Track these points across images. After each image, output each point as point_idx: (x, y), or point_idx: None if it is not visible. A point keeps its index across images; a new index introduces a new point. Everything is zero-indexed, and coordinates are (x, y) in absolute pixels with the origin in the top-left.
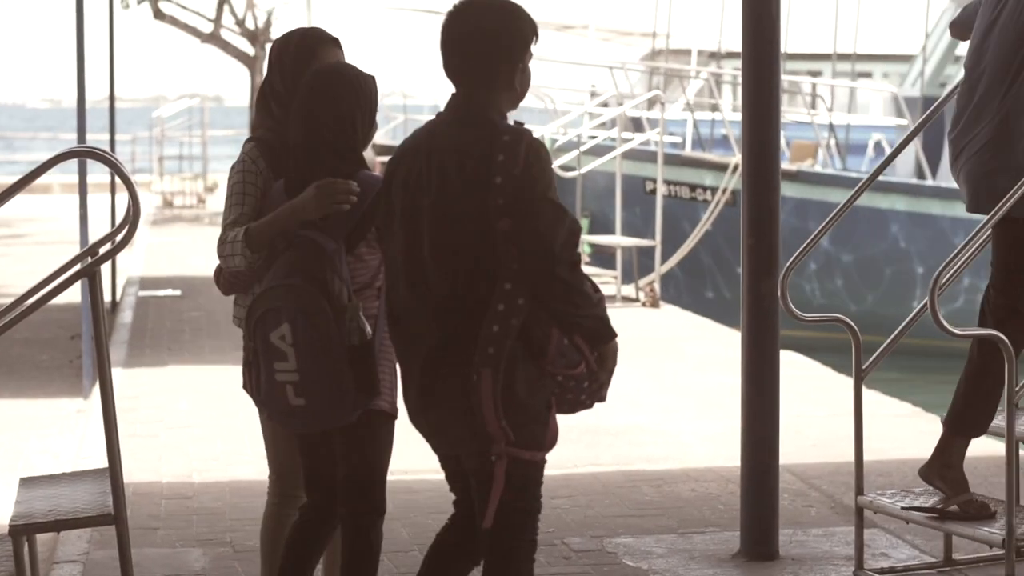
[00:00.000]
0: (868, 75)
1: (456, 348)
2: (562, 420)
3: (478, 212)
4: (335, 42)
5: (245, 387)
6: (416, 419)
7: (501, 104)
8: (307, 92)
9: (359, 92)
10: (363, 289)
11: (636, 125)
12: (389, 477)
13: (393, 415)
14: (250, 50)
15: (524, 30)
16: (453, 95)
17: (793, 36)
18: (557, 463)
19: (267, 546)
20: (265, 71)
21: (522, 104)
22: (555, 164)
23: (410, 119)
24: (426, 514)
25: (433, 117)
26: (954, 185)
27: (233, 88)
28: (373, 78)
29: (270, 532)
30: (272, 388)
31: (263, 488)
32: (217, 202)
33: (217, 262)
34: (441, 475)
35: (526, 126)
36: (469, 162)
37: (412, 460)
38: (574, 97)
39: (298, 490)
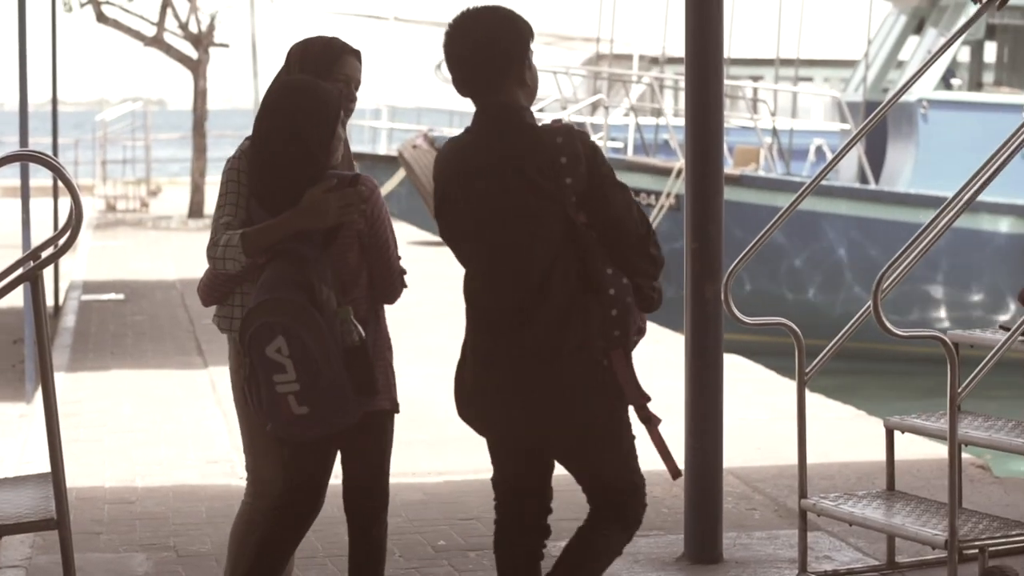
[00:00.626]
0: (809, 80)
1: (549, 341)
2: None
3: (551, 214)
4: (356, 54)
5: (248, 403)
6: (494, 411)
7: (523, 104)
8: (268, 105)
9: (314, 106)
10: (350, 290)
11: None
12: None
13: (392, 412)
14: (193, 54)
15: (521, 30)
16: (482, 108)
17: (736, 42)
18: None
19: (236, 546)
20: (283, 69)
21: (465, 109)
22: None
23: (350, 123)
24: None
25: (459, 133)
26: (897, 190)
27: (176, 92)
28: (333, 91)
29: (241, 533)
30: (274, 400)
31: (206, 493)
32: (160, 206)
33: (183, 267)
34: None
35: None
36: (531, 169)
37: None
38: None
39: (276, 494)
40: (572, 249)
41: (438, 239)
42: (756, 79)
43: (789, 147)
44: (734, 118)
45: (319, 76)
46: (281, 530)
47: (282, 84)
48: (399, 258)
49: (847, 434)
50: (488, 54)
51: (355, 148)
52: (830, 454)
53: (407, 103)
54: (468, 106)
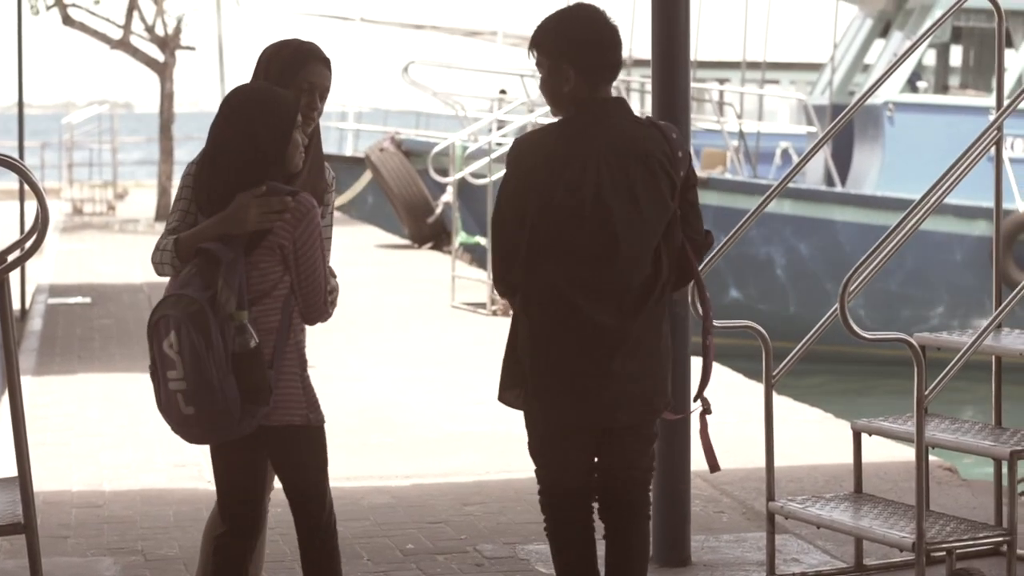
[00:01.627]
0: (776, 83)
1: (650, 319)
2: (474, 427)
3: (664, 200)
4: (326, 62)
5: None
6: (581, 402)
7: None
8: (226, 107)
9: (270, 112)
10: (261, 298)
11: None
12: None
13: (309, 425)
14: (160, 56)
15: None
16: (603, 98)
17: (703, 44)
18: (469, 470)
19: (208, 549)
20: (254, 74)
21: (432, 111)
22: (465, 172)
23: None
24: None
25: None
26: (864, 192)
27: (143, 95)
28: (290, 97)
29: (212, 536)
30: (168, 397)
31: (174, 497)
32: (127, 209)
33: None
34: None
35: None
36: (660, 159)
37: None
38: (483, 104)
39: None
40: (666, 238)
41: (404, 242)
42: (723, 82)
43: (756, 150)
44: (700, 121)
45: (284, 81)
46: (229, 552)
47: (238, 91)
48: (331, 280)
49: (815, 437)
50: (610, 42)
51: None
52: (798, 457)
53: (374, 105)
54: (434, 108)
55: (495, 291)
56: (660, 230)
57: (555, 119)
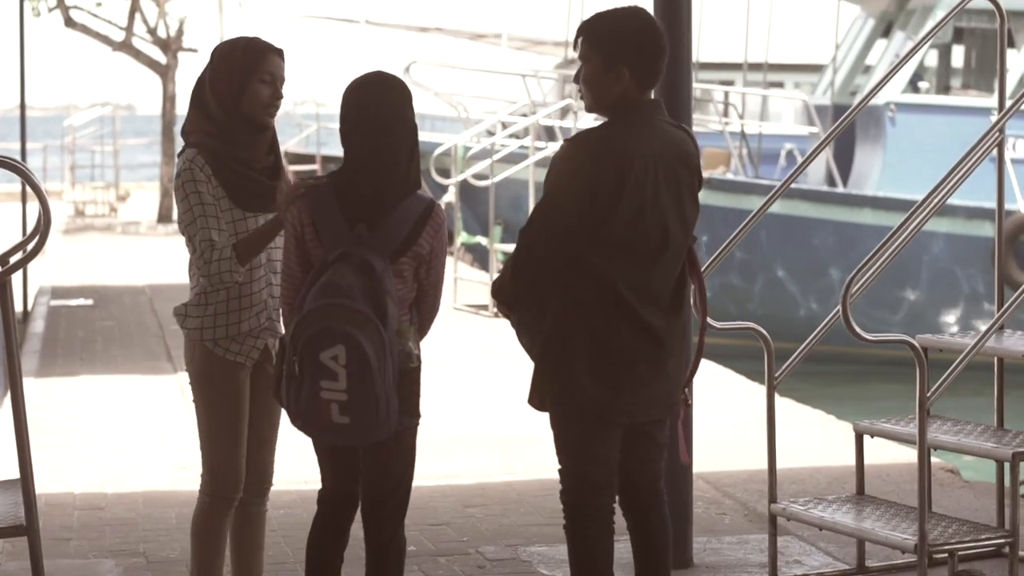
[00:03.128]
0: (780, 85)
1: (677, 318)
2: (476, 429)
3: (697, 204)
4: (280, 53)
5: (275, 395)
6: (628, 399)
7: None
8: (377, 101)
9: (412, 106)
10: (404, 309)
11: (550, 134)
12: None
13: (416, 425)
14: (162, 58)
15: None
16: (650, 99)
17: (705, 46)
18: (471, 472)
19: (196, 544)
20: (208, 70)
21: (437, 113)
22: (467, 173)
23: (323, 127)
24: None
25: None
26: (865, 192)
27: (145, 97)
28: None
29: (198, 530)
30: (315, 404)
31: (177, 499)
32: (129, 211)
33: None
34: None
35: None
36: (693, 162)
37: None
38: (487, 106)
39: (231, 491)
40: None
41: None
42: (726, 83)
43: (758, 151)
44: (703, 122)
45: (245, 75)
46: (325, 540)
47: (373, 79)
48: (441, 295)
49: (817, 438)
50: (662, 50)
51: (325, 152)
52: (800, 459)
53: None
54: (440, 110)
55: (495, 300)
56: (692, 231)
57: (594, 121)
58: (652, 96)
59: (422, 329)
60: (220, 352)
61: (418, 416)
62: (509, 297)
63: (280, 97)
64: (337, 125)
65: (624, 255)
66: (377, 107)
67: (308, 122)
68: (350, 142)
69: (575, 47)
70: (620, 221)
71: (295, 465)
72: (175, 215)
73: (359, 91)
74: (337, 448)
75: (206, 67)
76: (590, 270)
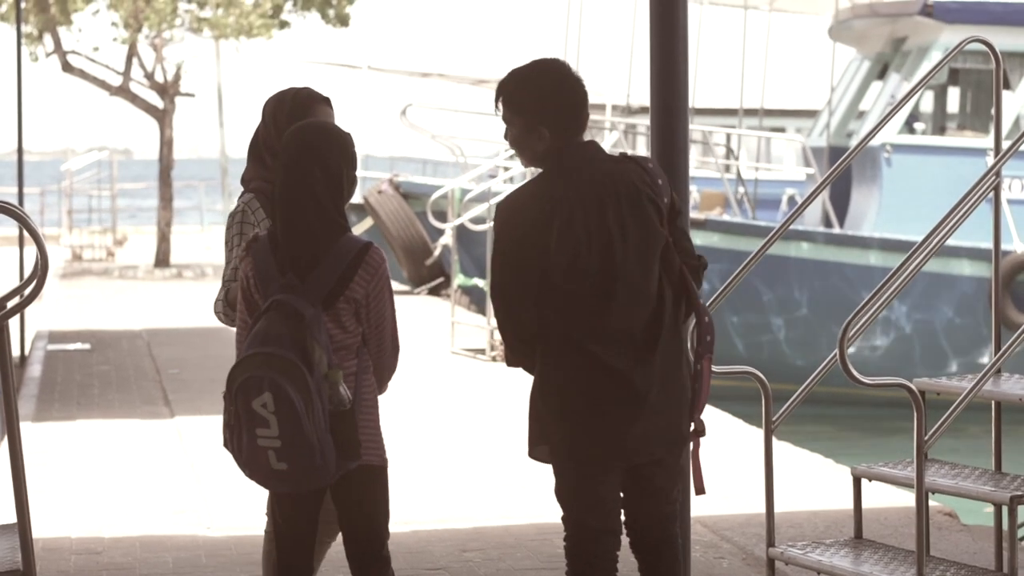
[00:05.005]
0: (782, 130)
1: (667, 350)
2: (473, 473)
3: (656, 230)
4: (327, 101)
5: (226, 445)
6: (606, 443)
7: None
8: (296, 146)
9: (345, 148)
10: (339, 350)
11: None
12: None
13: (383, 467)
14: (159, 103)
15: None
16: (577, 143)
17: (704, 92)
18: (468, 516)
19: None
20: (261, 124)
21: (434, 157)
22: (464, 218)
23: None
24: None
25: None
26: (861, 233)
27: (142, 141)
28: (350, 135)
29: (265, 558)
30: (254, 452)
31: (173, 543)
32: (126, 255)
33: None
34: None
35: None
36: (644, 191)
37: None
38: (487, 149)
39: None
40: (665, 266)
41: (404, 288)
42: (728, 128)
43: (754, 193)
44: (703, 167)
45: (293, 123)
46: None
47: (309, 125)
48: (395, 335)
49: (815, 482)
50: (580, 99)
51: None
52: (798, 502)
53: (380, 152)
54: (439, 155)
55: (506, 356)
56: (655, 261)
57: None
58: (586, 138)
59: (379, 376)
60: None
61: (358, 457)
62: (514, 361)
63: None
64: None
65: (572, 299)
66: (293, 155)
67: None
68: (275, 193)
69: (496, 108)
70: (557, 267)
71: None
72: (173, 259)
73: (284, 140)
74: (292, 501)
75: (260, 121)
76: (549, 322)
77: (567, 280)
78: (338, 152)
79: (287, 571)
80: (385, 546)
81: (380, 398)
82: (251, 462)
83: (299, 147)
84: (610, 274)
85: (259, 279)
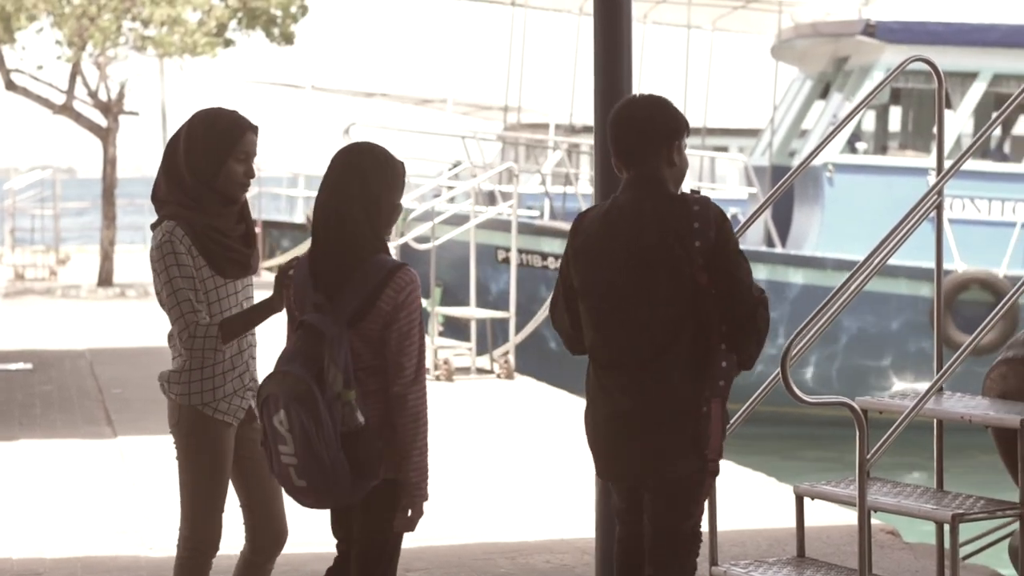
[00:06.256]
0: (725, 149)
1: (663, 383)
2: None
3: (681, 271)
4: (255, 129)
5: (193, 462)
6: (603, 459)
7: (668, 180)
8: (341, 163)
9: (391, 172)
10: (366, 367)
11: (491, 199)
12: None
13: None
14: (103, 122)
15: (677, 118)
16: (628, 178)
17: None
18: (413, 535)
19: None
20: (185, 142)
21: None
22: (409, 236)
23: (264, 191)
24: None
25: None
26: (803, 253)
27: (86, 160)
28: (402, 163)
29: None
30: (280, 468)
31: (116, 564)
32: (69, 274)
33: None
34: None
35: None
36: (670, 232)
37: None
38: (432, 168)
39: (211, 547)
40: (692, 307)
41: None
42: None
43: None
44: None
45: (223, 154)
46: None
47: (354, 148)
48: (416, 365)
49: (758, 501)
50: (646, 134)
51: (272, 217)
52: (741, 521)
53: (323, 171)
54: None
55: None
56: (671, 301)
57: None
58: (633, 174)
59: (394, 392)
60: (209, 412)
61: (375, 477)
62: (574, 350)
63: (253, 175)
64: (281, 190)
65: (585, 320)
66: (335, 172)
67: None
68: (314, 209)
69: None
70: (576, 289)
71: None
72: (116, 278)
73: (332, 158)
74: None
75: (181, 137)
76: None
77: (581, 301)
78: (381, 174)
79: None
80: (390, 567)
81: None
82: (279, 477)
83: (343, 165)
84: (610, 299)
85: (297, 296)
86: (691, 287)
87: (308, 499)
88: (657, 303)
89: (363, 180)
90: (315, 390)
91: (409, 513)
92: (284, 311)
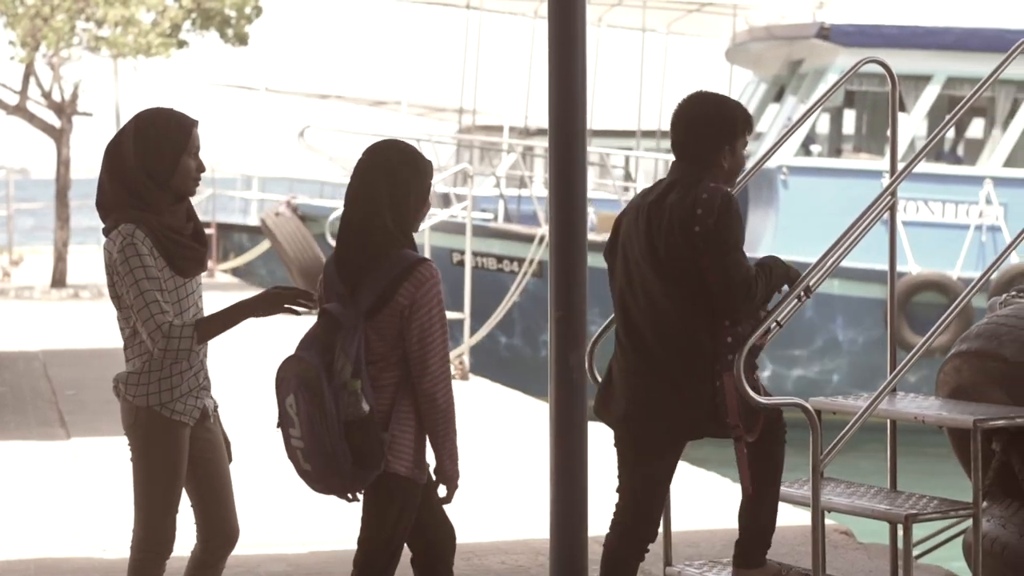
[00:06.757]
0: None
1: (683, 362)
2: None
3: (688, 253)
4: (198, 123)
5: (146, 462)
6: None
7: (712, 177)
8: (369, 159)
9: (420, 169)
10: (378, 360)
11: (445, 200)
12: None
13: (410, 479)
14: (56, 122)
15: (733, 118)
16: (673, 164)
17: (603, 114)
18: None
19: None
20: (132, 148)
21: (332, 179)
22: None
23: (219, 193)
24: None
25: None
26: (757, 255)
27: (39, 160)
28: (429, 161)
29: None
30: (290, 451)
31: (70, 565)
32: (22, 275)
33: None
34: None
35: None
36: (676, 219)
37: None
38: None
39: (164, 548)
40: (699, 289)
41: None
42: (626, 149)
43: None
44: (602, 187)
45: (177, 151)
46: None
47: (381, 145)
48: (441, 361)
49: (713, 501)
50: (697, 130)
51: (226, 219)
52: (696, 521)
53: (277, 173)
54: (337, 176)
55: None
56: (677, 283)
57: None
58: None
59: (423, 389)
60: (167, 413)
61: (376, 467)
62: None
63: (204, 169)
64: (235, 192)
65: (614, 303)
66: (363, 167)
67: (204, 187)
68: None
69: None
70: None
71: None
72: (70, 279)
73: (361, 155)
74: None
75: (129, 140)
76: None
77: (610, 284)
78: (411, 171)
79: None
80: (386, 563)
81: (277, 414)
82: (291, 459)
83: (371, 161)
84: (629, 285)
85: (326, 286)
86: (696, 271)
87: (313, 483)
88: (665, 286)
89: (390, 176)
90: (322, 377)
91: (445, 493)
92: (265, 316)
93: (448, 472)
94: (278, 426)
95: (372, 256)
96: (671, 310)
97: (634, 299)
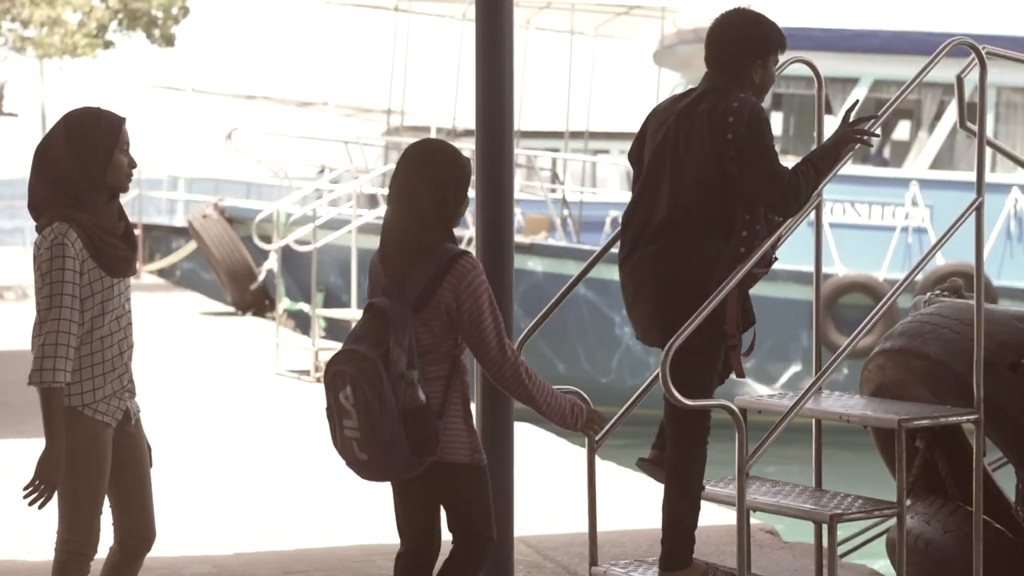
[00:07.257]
0: (606, 152)
1: (689, 269)
2: (297, 494)
3: (710, 158)
4: (125, 120)
5: (76, 461)
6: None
7: (742, 89)
8: (409, 157)
9: (459, 166)
10: (427, 353)
11: (372, 201)
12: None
13: (470, 464)
14: None
15: (767, 34)
16: (705, 75)
17: (531, 115)
18: (292, 538)
19: None
20: (64, 148)
21: (258, 180)
22: (290, 239)
23: (145, 194)
24: None
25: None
26: None
27: None
28: (468, 159)
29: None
30: (344, 442)
31: (13, 567)
32: None
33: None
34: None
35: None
36: (706, 126)
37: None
38: (308, 172)
39: (89, 548)
40: (719, 193)
41: (228, 309)
42: (554, 151)
43: (579, 216)
44: (530, 189)
45: (109, 148)
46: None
47: (422, 144)
48: (498, 341)
49: (639, 501)
50: (729, 43)
51: (152, 219)
52: (621, 521)
53: (204, 174)
54: (263, 178)
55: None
56: (691, 175)
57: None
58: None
59: (492, 374)
60: (90, 413)
61: (432, 454)
62: None
63: (135, 165)
64: (161, 193)
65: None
66: (404, 165)
67: (131, 188)
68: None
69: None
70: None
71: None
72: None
73: (403, 153)
74: (406, 506)
75: (59, 140)
76: None
77: (633, 179)
78: (450, 168)
79: (413, 560)
80: (480, 544)
81: (207, 417)
82: (343, 450)
83: (412, 159)
84: (644, 176)
85: (370, 282)
86: (720, 176)
87: (368, 472)
88: (683, 186)
89: (430, 173)
90: (381, 369)
91: (583, 425)
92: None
93: (570, 427)
94: (328, 416)
95: (416, 252)
96: (683, 203)
97: (647, 194)
